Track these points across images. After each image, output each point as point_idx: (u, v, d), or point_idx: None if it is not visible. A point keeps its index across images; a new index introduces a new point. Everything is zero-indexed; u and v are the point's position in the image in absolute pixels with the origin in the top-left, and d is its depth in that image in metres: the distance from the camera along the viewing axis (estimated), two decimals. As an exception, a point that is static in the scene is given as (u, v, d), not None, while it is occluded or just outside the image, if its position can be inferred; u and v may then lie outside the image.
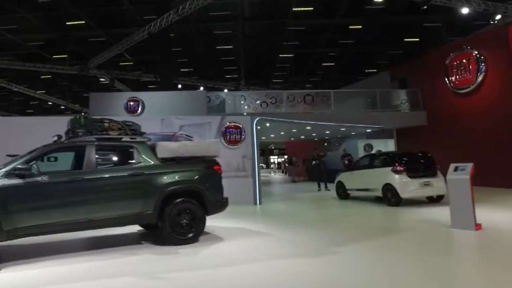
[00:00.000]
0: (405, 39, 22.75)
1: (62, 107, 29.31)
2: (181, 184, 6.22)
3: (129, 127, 6.50)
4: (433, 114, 15.27)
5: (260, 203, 11.05)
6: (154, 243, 6.33)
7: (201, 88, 22.73)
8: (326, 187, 14.95)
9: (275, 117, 12.42)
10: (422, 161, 9.83)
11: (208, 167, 6.63)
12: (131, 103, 13.56)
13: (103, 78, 21.36)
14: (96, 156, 5.88)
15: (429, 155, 9.96)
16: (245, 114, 12.11)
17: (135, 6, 19.58)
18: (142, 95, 13.91)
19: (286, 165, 32.43)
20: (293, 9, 19.85)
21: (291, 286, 4.06)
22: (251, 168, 10.84)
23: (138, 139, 6.40)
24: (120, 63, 25.65)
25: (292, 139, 23.09)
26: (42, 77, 28.20)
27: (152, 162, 6.17)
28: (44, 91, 29.68)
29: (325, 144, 21.33)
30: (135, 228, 7.41)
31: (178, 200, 6.08)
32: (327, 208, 10.84)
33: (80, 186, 5.54)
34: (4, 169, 5.25)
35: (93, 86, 30.10)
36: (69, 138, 5.98)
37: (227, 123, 10.85)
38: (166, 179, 6.09)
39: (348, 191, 11.67)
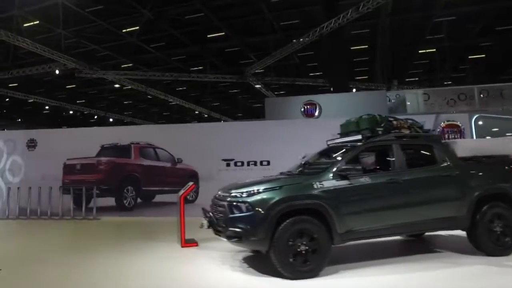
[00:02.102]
0: None
1: (205, 115, 31.22)
2: (490, 186, 5.59)
3: (415, 124, 5.90)
4: None
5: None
6: (455, 252, 5.76)
7: (354, 90, 21.93)
8: None
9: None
10: None
11: (510, 166, 5.78)
12: (308, 106, 13.24)
13: (259, 85, 21.83)
14: (404, 156, 5.34)
15: None
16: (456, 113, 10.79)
17: (274, 14, 19.63)
18: (319, 98, 13.54)
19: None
20: (446, -3, 17.99)
21: None
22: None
23: (434, 137, 5.83)
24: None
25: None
26: (177, 89, 30.43)
27: (456, 162, 5.59)
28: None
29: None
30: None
31: (489, 204, 5.41)
32: None
33: (400, 188, 5.17)
34: (331, 171, 4.93)
35: (222, 95, 31.54)
36: (368, 137, 5.47)
37: (443, 122, 9.76)
38: (474, 180, 5.53)
39: None
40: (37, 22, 18.70)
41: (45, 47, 17.42)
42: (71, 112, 30.94)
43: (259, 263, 5.39)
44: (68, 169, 10.94)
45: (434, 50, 24.07)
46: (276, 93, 29.87)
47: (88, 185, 10.35)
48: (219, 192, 5.40)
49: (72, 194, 10.49)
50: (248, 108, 35.21)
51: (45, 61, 19.32)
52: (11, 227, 10.13)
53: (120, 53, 23.96)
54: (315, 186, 4.83)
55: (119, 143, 10.87)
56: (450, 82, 28.04)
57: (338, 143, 6.15)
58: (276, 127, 10.81)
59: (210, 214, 5.17)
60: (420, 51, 24.34)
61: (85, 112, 31.52)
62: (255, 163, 10.36)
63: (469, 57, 24.73)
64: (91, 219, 10.33)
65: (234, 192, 4.98)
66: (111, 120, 31.79)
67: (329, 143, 6.40)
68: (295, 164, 9.74)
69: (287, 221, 4.60)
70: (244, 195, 4.83)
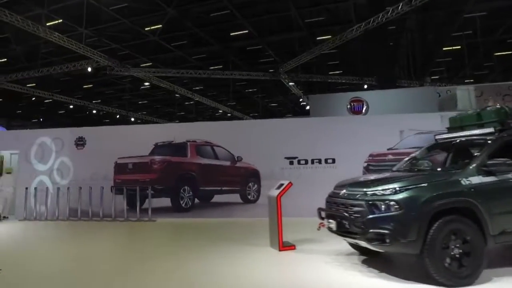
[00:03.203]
0: None
1: (229, 114, 30.88)
2: None
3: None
4: None
5: None
6: None
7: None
8: None
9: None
10: None
11: None
12: (354, 103, 12.85)
13: (292, 82, 21.47)
14: None
15: None
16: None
17: (300, 11, 19.28)
18: (365, 95, 13.18)
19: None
20: (479, -8, 17.70)
21: None
22: None
23: None
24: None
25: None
26: (193, 88, 30.02)
27: None
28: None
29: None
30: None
31: None
32: None
33: None
34: (474, 166, 4.50)
35: (239, 94, 31.13)
36: (500, 130, 5.03)
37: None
38: None
39: None
40: (60, 20, 18.31)
41: (79, 43, 17.03)
42: (94, 111, 30.51)
43: (387, 266, 5.04)
44: (120, 168, 10.49)
45: (459, 47, 23.73)
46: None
47: (141, 185, 9.89)
48: (344, 191, 4.98)
49: (125, 195, 10.01)
50: (264, 107, 34.89)
51: (73, 59, 18.96)
52: (69, 229, 9.66)
53: (140, 52, 23.61)
54: (462, 182, 4.43)
55: (174, 140, 10.42)
56: (472, 80, 27.75)
57: (452, 137, 5.72)
58: (342, 123, 10.41)
59: (345, 214, 4.71)
60: (444, 48, 24.03)
61: (102, 112, 31.08)
62: (319, 161, 9.96)
63: (495, 54, 24.38)
64: (146, 221, 9.87)
65: (371, 190, 4.56)
66: (132, 119, 31.33)
67: (437, 137, 5.97)
68: (363, 162, 9.41)
69: (440, 221, 4.22)
70: (387, 192, 4.41)
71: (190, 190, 10.10)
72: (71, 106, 28.25)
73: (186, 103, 32.12)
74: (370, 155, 9.70)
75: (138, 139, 10.82)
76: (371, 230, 4.38)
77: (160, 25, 19.94)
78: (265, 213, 9.61)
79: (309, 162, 9.96)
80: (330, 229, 5.03)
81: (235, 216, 10.00)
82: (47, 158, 11.08)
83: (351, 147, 9.68)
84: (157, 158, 10.26)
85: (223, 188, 10.35)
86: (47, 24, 18.15)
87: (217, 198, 10.45)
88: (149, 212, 9.84)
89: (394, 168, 5.89)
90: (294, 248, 6.20)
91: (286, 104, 34.41)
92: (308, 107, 27.69)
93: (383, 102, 12.93)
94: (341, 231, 4.83)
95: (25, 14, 16.70)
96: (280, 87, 30.05)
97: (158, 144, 10.53)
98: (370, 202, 4.47)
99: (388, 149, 9.59)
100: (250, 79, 25.80)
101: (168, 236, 8.55)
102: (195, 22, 20.33)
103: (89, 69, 18.10)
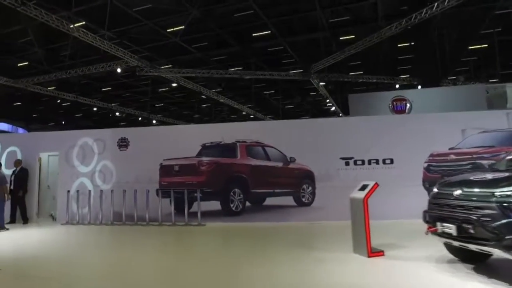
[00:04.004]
0: None
1: (251, 116, 30.58)
2: None
3: None
4: None
5: None
6: None
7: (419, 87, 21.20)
8: None
9: None
10: None
11: None
12: (397, 102, 12.39)
13: (322, 82, 21.08)
14: None
15: None
16: None
17: (323, 11, 18.91)
18: (408, 94, 12.73)
19: None
20: (515, -13, 17.24)
21: None
22: None
23: None
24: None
25: None
26: (211, 90, 29.71)
27: None
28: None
29: None
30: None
31: None
32: None
33: None
34: None
35: (256, 96, 30.76)
36: None
37: None
38: None
39: None
40: (83, 22, 18.07)
41: (111, 43, 16.80)
42: (117, 114, 30.34)
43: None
44: (165, 170, 10.08)
45: (486, 46, 23.22)
46: (313, 93, 29.10)
47: (189, 188, 9.47)
48: (459, 191, 4.51)
49: (172, 198, 9.59)
50: (281, 109, 34.58)
51: (95, 61, 18.79)
52: (118, 234, 9.16)
53: (160, 54, 23.35)
54: None
55: (222, 141, 10.00)
56: (496, 80, 27.22)
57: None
58: (399, 122, 9.97)
59: (471, 217, 4.23)
60: (470, 47, 23.53)
61: (124, 114, 30.89)
62: (377, 162, 9.53)
63: (524, 51, 23.79)
64: (195, 225, 9.43)
65: (503, 191, 4.10)
66: (154, 121, 31.07)
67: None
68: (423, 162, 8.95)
69: None
70: None
71: (240, 192, 9.67)
72: (95, 109, 27.99)
73: (204, 105, 31.82)
74: (431, 155, 9.26)
75: (184, 139, 10.43)
76: (508, 237, 3.91)
77: (183, 26, 19.62)
78: (321, 217, 9.26)
79: (366, 162, 9.53)
80: (445, 234, 4.56)
81: (289, 220, 9.57)
82: (89, 160, 10.71)
83: (410, 146, 9.26)
84: (205, 159, 9.84)
85: (276, 191, 9.92)
86: (70, 26, 17.95)
87: (269, 201, 10.02)
88: (199, 216, 9.41)
89: (496, 167, 5.43)
90: (383, 254, 5.74)
91: (303, 106, 33.99)
92: (333, 108, 27.37)
93: (427, 101, 12.48)
94: (463, 236, 4.35)
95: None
96: (299, 88, 29.67)
97: (206, 145, 10.13)
98: (505, 205, 4.00)
99: (449, 149, 9.14)
100: (271, 79, 25.50)
101: (230, 241, 8.09)
102: (217, 23, 20.05)
103: (119, 70, 17.76)
